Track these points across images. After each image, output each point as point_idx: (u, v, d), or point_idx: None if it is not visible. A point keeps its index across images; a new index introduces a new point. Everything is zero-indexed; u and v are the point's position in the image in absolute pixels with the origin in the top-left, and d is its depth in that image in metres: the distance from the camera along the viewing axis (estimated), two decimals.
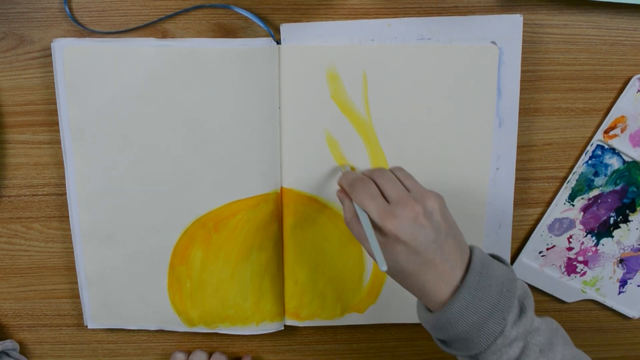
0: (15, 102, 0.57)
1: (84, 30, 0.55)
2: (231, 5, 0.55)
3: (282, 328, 0.63)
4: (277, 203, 0.59)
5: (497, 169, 0.58)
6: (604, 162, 0.59)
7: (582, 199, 0.60)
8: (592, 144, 0.59)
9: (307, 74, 0.55)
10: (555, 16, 0.56)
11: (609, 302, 0.64)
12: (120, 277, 0.60)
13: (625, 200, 0.60)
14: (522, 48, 0.55)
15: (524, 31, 0.55)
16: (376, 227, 0.43)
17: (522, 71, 0.56)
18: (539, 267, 0.62)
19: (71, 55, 0.54)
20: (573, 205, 0.60)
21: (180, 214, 0.58)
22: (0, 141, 0.58)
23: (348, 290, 0.61)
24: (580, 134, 0.59)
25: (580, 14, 0.56)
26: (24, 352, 0.65)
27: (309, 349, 0.66)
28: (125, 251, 0.59)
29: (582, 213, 0.61)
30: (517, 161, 0.58)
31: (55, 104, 0.56)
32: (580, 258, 0.62)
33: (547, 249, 0.62)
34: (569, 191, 0.60)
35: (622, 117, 0.58)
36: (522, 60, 0.56)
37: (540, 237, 0.61)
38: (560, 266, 0.63)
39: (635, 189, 0.60)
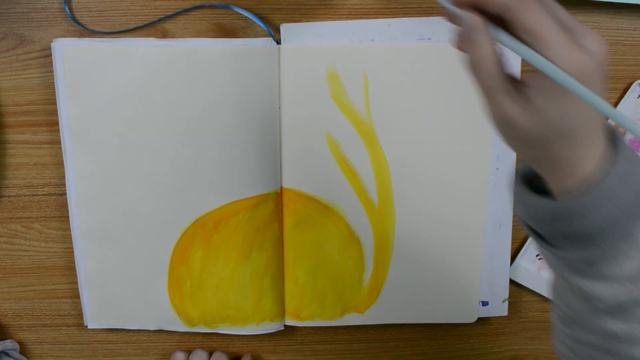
0: (15, 102, 0.57)
1: (84, 30, 0.55)
2: (231, 5, 0.55)
3: (282, 328, 0.63)
4: (277, 203, 0.59)
5: (497, 169, 0.58)
6: None
7: None
8: None
9: (307, 73, 0.55)
10: None
11: None
12: (120, 277, 0.60)
13: None
14: None
15: None
16: (554, 57, 0.29)
17: (522, 71, 0.56)
18: (536, 270, 0.62)
19: (71, 55, 0.54)
20: None
21: (180, 214, 0.58)
22: (0, 141, 0.58)
23: (348, 291, 0.61)
24: None
25: (580, 14, 0.56)
26: (24, 352, 0.65)
27: (309, 349, 0.66)
28: (125, 251, 0.59)
29: None
30: (517, 161, 0.58)
31: (55, 104, 0.56)
32: None
33: None
34: None
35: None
36: (522, 60, 0.55)
37: None
38: None
39: None
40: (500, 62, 0.32)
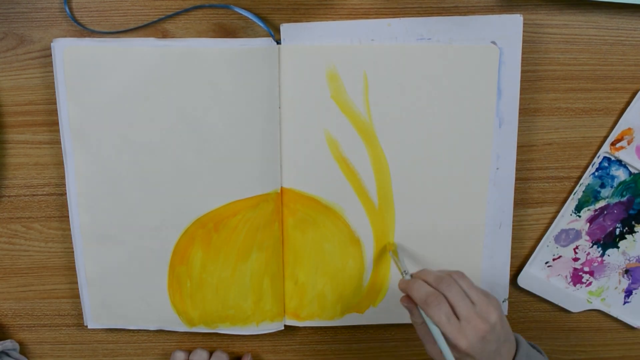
0: (15, 102, 0.57)
1: (84, 30, 0.55)
2: (231, 5, 0.55)
3: (282, 328, 0.63)
4: (277, 203, 0.59)
5: (497, 168, 0.58)
6: (610, 173, 0.59)
7: (588, 210, 0.60)
8: (598, 156, 0.59)
9: (307, 74, 0.55)
10: (556, 16, 0.56)
11: (614, 312, 0.64)
12: (120, 277, 0.60)
13: (631, 212, 0.60)
14: (522, 48, 0.55)
15: (524, 31, 0.55)
16: (449, 343, 0.47)
17: (522, 71, 0.56)
18: (545, 277, 0.62)
19: (71, 55, 0.54)
20: (579, 216, 0.61)
21: (181, 214, 0.58)
22: (0, 141, 0.58)
23: (348, 291, 0.61)
24: (580, 134, 0.59)
25: (580, 13, 0.56)
26: (24, 352, 0.65)
27: (309, 349, 0.66)
28: (125, 251, 0.59)
29: (588, 224, 0.61)
30: (517, 161, 0.58)
31: (55, 104, 0.56)
32: (586, 268, 0.62)
33: (554, 260, 0.62)
34: (575, 202, 0.60)
35: (629, 129, 0.58)
36: (522, 60, 0.56)
37: (546, 247, 0.62)
38: (566, 276, 0.63)
39: None
40: (425, 326, 0.49)
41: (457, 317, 0.47)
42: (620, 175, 0.59)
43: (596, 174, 0.60)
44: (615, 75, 0.58)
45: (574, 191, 0.60)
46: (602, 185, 0.60)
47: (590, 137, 0.59)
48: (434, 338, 0.48)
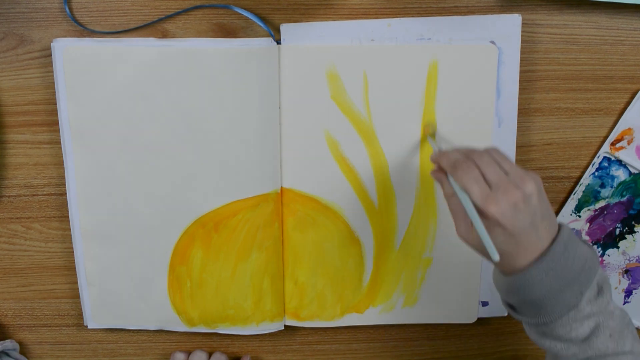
0: (15, 102, 0.57)
1: (84, 30, 0.55)
2: (231, 5, 0.55)
3: (282, 328, 0.63)
4: (277, 203, 0.59)
5: None
6: (610, 173, 0.59)
7: (588, 210, 0.61)
8: (598, 156, 0.59)
9: (307, 74, 0.55)
10: (555, 16, 0.56)
11: None
12: (121, 277, 0.60)
13: (631, 212, 0.60)
14: (522, 48, 0.55)
15: (523, 31, 0.55)
16: (477, 210, 0.44)
17: (522, 71, 0.56)
18: None
19: (71, 55, 0.54)
20: (579, 216, 0.61)
21: (181, 214, 0.58)
22: (0, 141, 0.58)
23: (348, 291, 0.61)
24: (580, 134, 0.59)
25: (580, 13, 0.56)
26: (24, 352, 0.65)
27: (309, 349, 0.66)
28: (125, 251, 0.59)
29: (588, 224, 0.61)
30: (517, 161, 0.58)
31: (55, 104, 0.56)
32: None
33: None
34: (575, 202, 0.60)
35: (629, 129, 0.58)
36: (521, 60, 0.56)
37: None
38: None
39: None
40: (457, 199, 0.45)
41: (488, 185, 0.43)
42: (620, 175, 0.59)
43: (596, 174, 0.60)
44: (615, 75, 0.58)
45: (574, 191, 0.60)
46: (602, 185, 0.60)
47: (589, 137, 0.59)
48: (464, 212, 0.45)
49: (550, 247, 0.44)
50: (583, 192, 0.60)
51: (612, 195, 0.60)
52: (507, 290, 0.46)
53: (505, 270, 0.46)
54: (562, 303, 0.44)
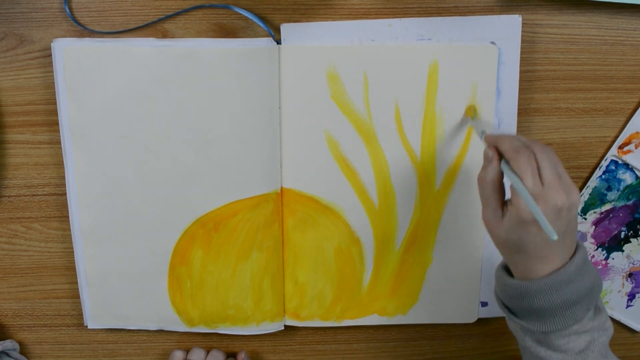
0: (15, 102, 0.57)
1: (84, 30, 0.55)
2: (231, 5, 0.55)
3: (282, 328, 0.63)
4: (277, 203, 0.59)
5: None
6: (617, 177, 0.59)
7: (594, 212, 0.61)
8: (606, 159, 0.59)
9: (307, 74, 0.55)
10: (555, 16, 0.56)
11: (616, 316, 0.64)
12: (121, 277, 0.60)
13: (637, 215, 0.61)
14: (522, 48, 0.55)
15: (523, 31, 0.55)
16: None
17: (522, 71, 0.56)
18: None
19: (71, 55, 0.54)
20: (585, 218, 0.61)
21: (181, 214, 0.58)
22: (0, 141, 0.58)
23: (348, 291, 0.61)
24: (580, 134, 0.59)
25: (580, 13, 0.56)
26: (24, 352, 0.65)
27: (309, 349, 0.66)
28: (125, 251, 0.59)
29: (593, 227, 0.61)
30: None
31: (55, 104, 0.56)
32: None
33: None
34: (581, 205, 0.60)
35: (637, 133, 0.58)
36: (521, 60, 0.56)
37: None
38: None
39: None
40: (495, 184, 0.45)
41: (541, 181, 0.43)
42: (627, 178, 0.59)
43: (603, 176, 0.59)
44: (615, 75, 0.58)
45: (581, 193, 0.60)
46: (609, 189, 0.60)
47: (589, 137, 0.59)
48: (496, 200, 0.45)
49: (571, 260, 0.45)
50: (589, 194, 0.60)
51: (619, 198, 0.60)
52: (513, 295, 0.46)
53: (519, 275, 0.46)
54: (570, 317, 0.44)
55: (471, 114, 0.55)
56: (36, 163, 0.59)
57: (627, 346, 0.66)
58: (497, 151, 0.46)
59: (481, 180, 0.46)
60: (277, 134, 0.57)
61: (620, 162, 0.59)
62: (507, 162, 0.45)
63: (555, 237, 0.40)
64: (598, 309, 0.47)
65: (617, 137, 0.59)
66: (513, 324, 0.49)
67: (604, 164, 0.59)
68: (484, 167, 0.47)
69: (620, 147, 0.59)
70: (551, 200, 0.42)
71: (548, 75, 0.57)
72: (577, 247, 0.46)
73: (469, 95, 0.56)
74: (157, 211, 0.58)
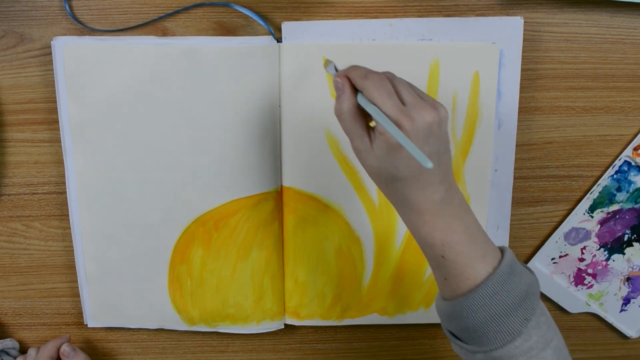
0: (15, 101, 0.57)
1: (84, 29, 0.55)
2: (231, 4, 0.55)
3: (282, 327, 0.62)
4: (277, 202, 0.58)
5: (496, 170, 0.58)
6: (628, 178, 0.59)
7: (601, 211, 0.60)
8: (620, 159, 0.59)
9: (308, 72, 0.55)
10: (556, 15, 0.56)
11: (610, 319, 0.64)
12: (121, 275, 0.60)
13: None
14: (523, 46, 0.55)
15: (524, 30, 0.55)
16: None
17: (523, 70, 0.56)
18: (549, 273, 0.62)
19: (71, 53, 0.54)
20: (592, 216, 0.61)
21: (181, 213, 0.58)
22: (0, 139, 0.58)
23: (348, 290, 0.61)
24: (580, 132, 0.59)
25: (580, 12, 0.56)
26: (23, 351, 0.65)
27: (309, 348, 0.66)
28: (125, 250, 0.59)
29: (599, 226, 0.61)
30: (518, 160, 0.58)
31: (55, 102, 0.56)
32: (590, 270, 0.62)
33: (560, 257, 0.62)
34: (590, 202, 0.60)
35: None
36: (522, 58, 0.56)
37: (555, 243, 0.62)
38: (569, 275, 0.63)
39: None
40: (354, 113, 0.42)
41: (402, 102, 0.40)
42: (638, 181, 0.59)
43: (615, 176, 0.59)
44: (615, 73, 0.58)
45: (591, 190, 0.60)
46: (619, 189, 0.59)
47: (590, 135, 0.59)
48: (361, 130, 0.42)
49: (495, 270, 0.42)
50: (599, 192, 0.60)
51: (627, 200, 0.60)
52: (449, 316, 0.44)
53: (446, 295, 0.44)
54: (506, 330, 0.41)
55: (324, 65, 0.50)
56: (36, 161, 0.59)
57: (626, 343, 0.66)
58: (349, 81, 0.42)
59: (338, 112, 0.42)
60: (277, 132, 0.57)
61: (633, 163, 0.59)
62: (362, 92, 0.41)
63: (430, 165, 0.36)
64: (540, 315, 0.43)
65: (621, 135, 0.59)
66: (457, 349, 0.45)
67: (617, 164, 0.59)
68: (338, 98, 0.43)
69: (635, 149, 0.58)
70: (418, 117, 0.39)
71: (548, 73, 0.57)
72: (503, 253, 0.43)
73: (469, 94, 0.56)
74: (158, 209, 0.58)
